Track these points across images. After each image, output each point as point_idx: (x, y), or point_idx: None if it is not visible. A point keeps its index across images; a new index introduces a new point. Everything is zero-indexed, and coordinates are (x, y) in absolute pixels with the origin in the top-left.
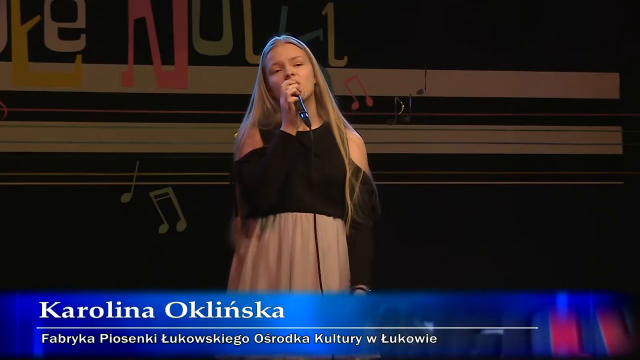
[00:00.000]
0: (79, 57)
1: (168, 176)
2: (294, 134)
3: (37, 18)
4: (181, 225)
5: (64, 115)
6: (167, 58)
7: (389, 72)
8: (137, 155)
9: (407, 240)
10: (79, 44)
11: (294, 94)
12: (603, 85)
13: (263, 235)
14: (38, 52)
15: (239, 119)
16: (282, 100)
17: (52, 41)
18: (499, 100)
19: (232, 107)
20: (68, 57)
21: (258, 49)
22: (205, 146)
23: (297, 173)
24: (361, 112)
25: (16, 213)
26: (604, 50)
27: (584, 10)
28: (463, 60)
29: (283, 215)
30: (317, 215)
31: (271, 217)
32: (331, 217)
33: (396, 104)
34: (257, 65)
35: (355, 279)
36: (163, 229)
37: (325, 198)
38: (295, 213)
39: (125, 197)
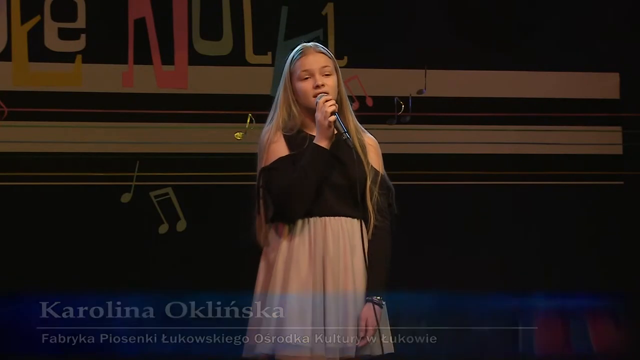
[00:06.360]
0: (79, 57)
1: (168, 176)
2: (328, 148)
3: (37, 18)
4: (181, 225)
5: (64, 115)
6: (167, 58)
7: (389, 72)
8: (137, 155)
9: (407, 240)
10: (79, 44)
11: (333, 113)
12: (603, 85)
13: (293, 240)
14: (38, 52)
15: (239, 119)
16: (319, 116)
17: (52, 41)
18: (499, 100)
19: (232, 107)
20: (68, 57)
21: (258, 49)
22: (205, 146)
23: (324, 179)
24: (361, 112)
25: (16, 213)
26: (604, 50)
27: (584, 10)
28: (463, 60)
29: (312, 219)
30: (344, 218)
31: (300, 222)
32: (355, 219)
33: (396, 104)
34: (257, 65)
35: (370, 284)
36: (163, 229)
37: (349, 202)
38: (324, 217)
39: (125, 197)
